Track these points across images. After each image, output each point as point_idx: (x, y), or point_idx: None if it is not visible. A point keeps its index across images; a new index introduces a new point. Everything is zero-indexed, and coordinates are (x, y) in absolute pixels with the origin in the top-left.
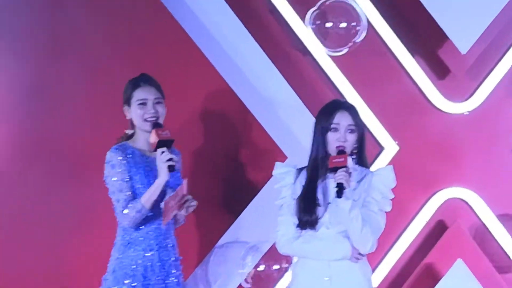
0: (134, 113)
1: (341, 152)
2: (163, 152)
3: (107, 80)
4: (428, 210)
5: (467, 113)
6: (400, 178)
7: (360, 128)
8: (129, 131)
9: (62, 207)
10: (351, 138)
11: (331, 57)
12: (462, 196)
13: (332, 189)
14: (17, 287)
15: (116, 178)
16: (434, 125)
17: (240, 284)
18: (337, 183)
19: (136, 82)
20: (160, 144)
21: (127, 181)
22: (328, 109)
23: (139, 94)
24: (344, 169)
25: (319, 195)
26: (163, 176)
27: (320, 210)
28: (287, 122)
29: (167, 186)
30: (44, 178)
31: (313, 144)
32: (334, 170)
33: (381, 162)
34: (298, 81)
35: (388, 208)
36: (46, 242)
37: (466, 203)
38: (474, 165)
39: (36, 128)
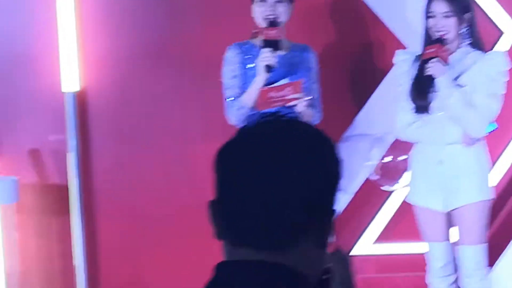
0: (255, 11)
1: (438, 40)
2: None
3: None
4: None
5: None
6: None
7: (459, 13)
8: (255, 30)
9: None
10: (449, 23)
11: None
12: None
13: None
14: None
15: (226, 74)
16: None
17: (368, 177)
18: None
19: None
20: (266, 43)
21: (235, 77)
22: None
23: None
24: (435, 59)
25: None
26: (259, 75)
27: (433, 94)
28: (407, 13)
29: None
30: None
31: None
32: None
33: (501, 47)
34: None
35: (500, 91)
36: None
37: None
38: None
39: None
